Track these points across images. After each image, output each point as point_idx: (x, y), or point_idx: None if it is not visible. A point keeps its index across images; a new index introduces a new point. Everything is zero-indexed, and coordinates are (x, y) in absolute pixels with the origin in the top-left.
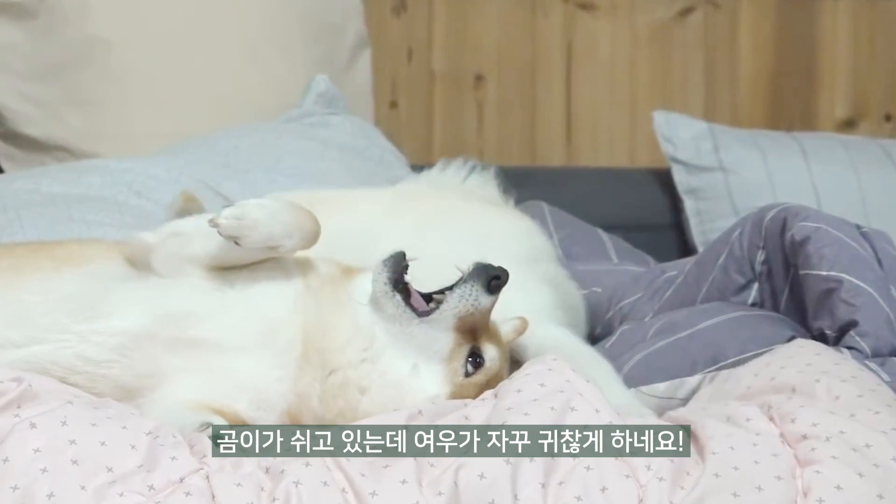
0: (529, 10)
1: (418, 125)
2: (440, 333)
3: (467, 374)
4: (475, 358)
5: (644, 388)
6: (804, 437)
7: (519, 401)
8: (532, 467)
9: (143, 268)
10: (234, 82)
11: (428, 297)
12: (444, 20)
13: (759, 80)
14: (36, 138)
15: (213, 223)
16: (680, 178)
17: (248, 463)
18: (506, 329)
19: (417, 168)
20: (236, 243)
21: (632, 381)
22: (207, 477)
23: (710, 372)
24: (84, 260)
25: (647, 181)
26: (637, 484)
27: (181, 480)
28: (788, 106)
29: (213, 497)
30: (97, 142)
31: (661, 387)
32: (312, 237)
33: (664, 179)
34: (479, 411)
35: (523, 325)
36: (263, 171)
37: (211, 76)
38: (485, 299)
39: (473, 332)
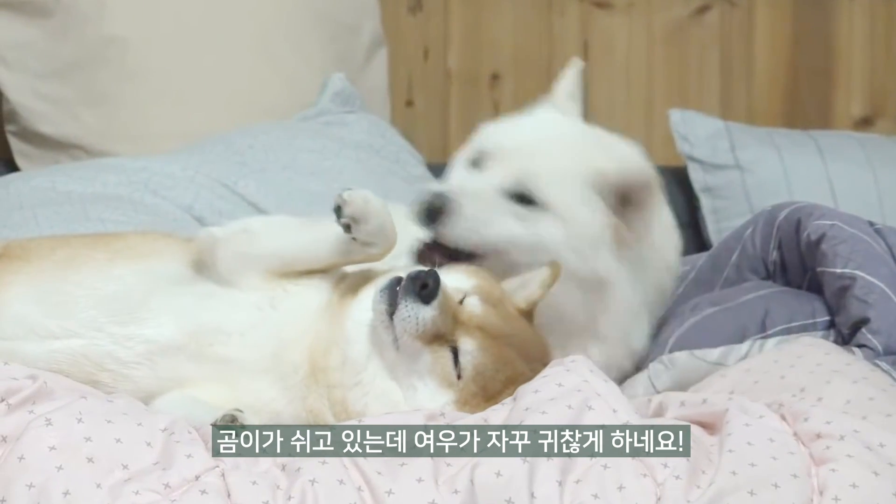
0: (545, 9)
1: (434, 124)
2: (416, 352)
3: (460, 376)
4: (456, 356)
5: (697, 352)
6: (818, 435)
7: (536, 400)
8: (549, 465)
9: (207, 268)
10: (250, 81)
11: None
12: (460, 19)
13: (775, 78)
14: (51, 136)
15: (340, 199)
16: (696, 176)
17: (264, 460)
18: (531, 287)
19: (433, 167)
20: (348, 231)
21: (683, 344)
22: (223, 475)
23: (758, 339)
24: (139, 255)
25: (663, 179)
26: (654, 482)
27: (197, 478)
28: (805, 104)
29: (229, 495)
30: (112, 140)
31: (714, 353)
32: (393, 243)
33: (680, 177)
34: (498, 413)
35: (553, 275)
36: (279, 170)
37: (226, 75)
38: (425, 312)
39: (449, 332)
